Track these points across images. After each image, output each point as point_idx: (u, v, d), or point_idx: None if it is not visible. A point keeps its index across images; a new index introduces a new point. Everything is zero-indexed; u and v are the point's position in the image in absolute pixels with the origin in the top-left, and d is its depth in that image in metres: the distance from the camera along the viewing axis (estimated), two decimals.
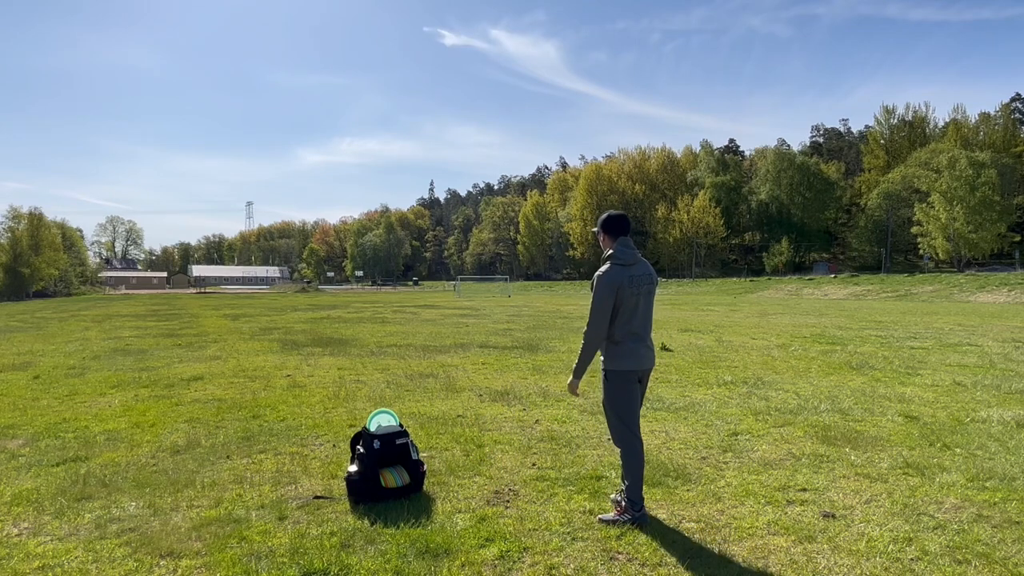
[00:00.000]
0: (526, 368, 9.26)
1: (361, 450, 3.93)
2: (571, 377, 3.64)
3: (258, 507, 3.80)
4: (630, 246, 3.56)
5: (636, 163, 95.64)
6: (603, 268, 3.52)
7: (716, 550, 3.21)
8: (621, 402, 3.56)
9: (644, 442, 5.12)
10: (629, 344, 3.50)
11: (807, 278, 56.54)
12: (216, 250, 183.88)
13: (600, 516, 3.60)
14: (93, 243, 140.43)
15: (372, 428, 4.06)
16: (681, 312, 24.00)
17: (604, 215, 3.67)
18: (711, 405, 6.56)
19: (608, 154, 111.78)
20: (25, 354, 11.75)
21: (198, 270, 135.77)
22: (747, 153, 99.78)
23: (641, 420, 5.90)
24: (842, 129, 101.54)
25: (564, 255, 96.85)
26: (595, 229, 3.72)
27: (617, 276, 3.46)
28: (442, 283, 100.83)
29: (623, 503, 3.58)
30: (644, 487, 4.06)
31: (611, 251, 3.55)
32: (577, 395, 3.63)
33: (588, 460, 4.69)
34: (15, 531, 3.52)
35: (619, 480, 4.20)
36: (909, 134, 75.91)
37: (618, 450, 3.68)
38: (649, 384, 7.68)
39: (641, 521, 3.48)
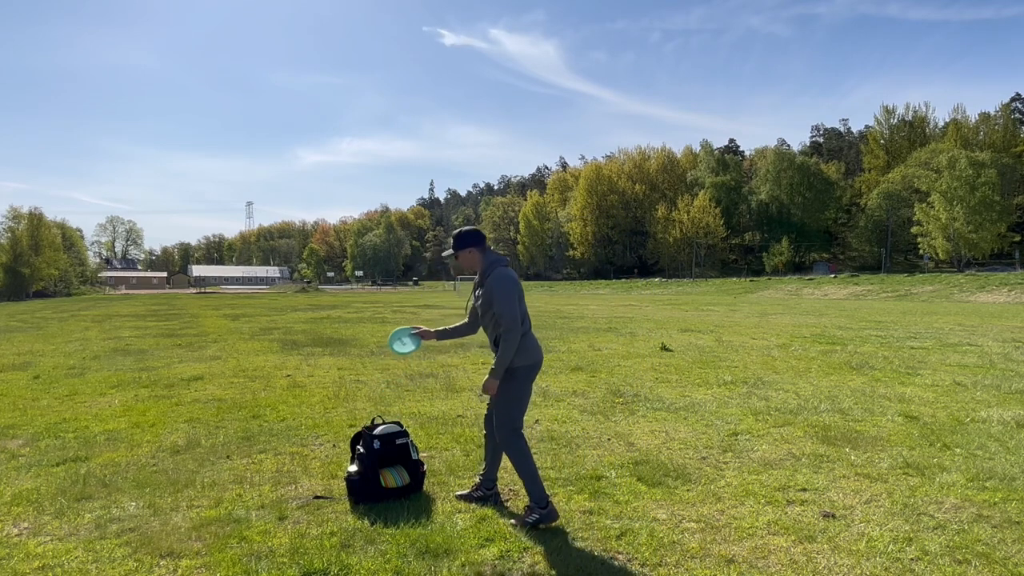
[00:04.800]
0: None
1: (361, 450, 3.93)
2: (488, 378, 3.57)
3: (258, 507, 3.80)
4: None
5: (636, 163, 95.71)
6: (498, 270, 3.60)
7: (716, 550, 3.21)
8: (520, 399, 3.60)
9: (644, 442, 5.14)
10: (531, 337, 3.65)
11: (807, 278, 56.53)
12: (216, 250, 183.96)
13: (514, 520, 3.53)
14: (93, 243, 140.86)
15: (394, 347, 4.02)
16: (681, 312, 24.00)
17: (462, 232, 3.73)
18: (711, 405, 6.56)
19: (608, 154, 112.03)
20: (25, 354, 11.75)
21: (198, 270, 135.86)
22: (747, 153, 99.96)
23: (641, 420, 5.94)
24: (842, 129, 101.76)
25: (564, 255, 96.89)
26: (450, 252, 3.74)
27: (514, 274, 3.65)
28: (442, 283, 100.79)
29: (530, 504, 3.52)
30: (644, 487, 4.07)
31: (493, 257, 3.70)
32: (493, 394, 3.60)
33: (588, 460, 4.68)
34: (15, 531, 3.52)
35: (619, 480, 4.21)
36: (909, 134, 75.99)
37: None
38: (648, 384, 7.73)
39: (550, 517, 3.45)
